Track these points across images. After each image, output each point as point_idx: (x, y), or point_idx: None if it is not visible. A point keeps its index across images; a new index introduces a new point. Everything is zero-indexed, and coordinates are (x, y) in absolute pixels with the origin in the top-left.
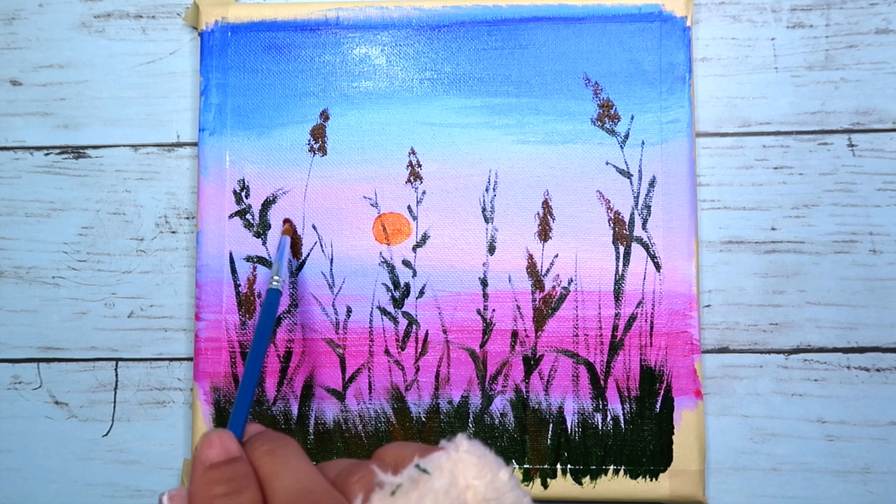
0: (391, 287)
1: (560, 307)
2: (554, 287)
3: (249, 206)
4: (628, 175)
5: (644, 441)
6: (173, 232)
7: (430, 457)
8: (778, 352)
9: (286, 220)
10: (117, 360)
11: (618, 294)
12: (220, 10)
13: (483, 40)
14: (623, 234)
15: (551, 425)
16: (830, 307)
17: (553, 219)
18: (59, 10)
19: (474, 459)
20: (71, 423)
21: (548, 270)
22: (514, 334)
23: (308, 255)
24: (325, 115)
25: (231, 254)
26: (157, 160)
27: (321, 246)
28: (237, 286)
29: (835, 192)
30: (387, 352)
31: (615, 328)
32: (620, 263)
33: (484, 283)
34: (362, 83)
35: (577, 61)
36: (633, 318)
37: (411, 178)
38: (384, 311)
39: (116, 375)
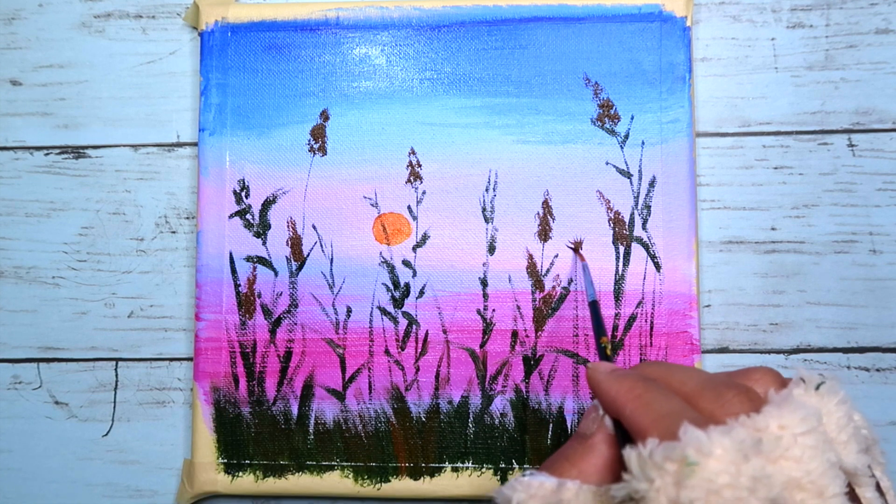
0: (391, 287)
1: (560, 307)
2: (554, 287)
3: (249, 206)
4: (628, 175)
5: None
6: (173, 232)
7: (823, 376)
8: (778, 352)
9: (577, 246)
10: (117, 360)
11: (618, 294)
12: (220, 10)
13: (483, 40)
14: (623, 234)
15: (551, 425)
16: (830, 307)
17: (553, 219)
18: (59, 10)
19: (845, 394)
20: (71, 423)
21: (548, 270)
22: (514, 334)
23: (308, 255)
24: (325, 115)
25: (231, 254)
26: (157, 160)
27: (321, 246)
28: (237, 286)
29: (835, 192)
30: (387, 352)
31: (615, 328)
32: (620, 263)
33: (484, 283)
34: (362, 83)
35: (577, 61)
36: (633, 318)
37: (411, 178)
38: (384, 311)
39: (116, 375)
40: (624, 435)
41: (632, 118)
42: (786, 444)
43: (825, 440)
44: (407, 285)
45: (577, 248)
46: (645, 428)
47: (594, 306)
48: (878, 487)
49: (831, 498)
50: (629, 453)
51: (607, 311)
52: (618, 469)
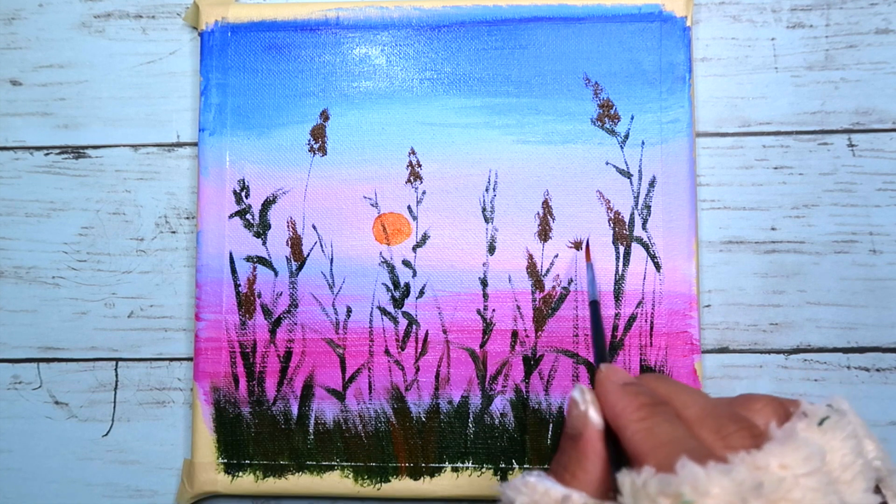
0: (391, 287)
1: (560, 307)
2: (554, 287)
3: (249, 206)
4: (628, 175)
5: None
6: (173, 232)
7: (832, 404)
8: (778, 352)
9: (587, 249)
10: (117, 360)
11: (618, 294)
12: (220, 10)
13: (483, 40)
14: (623, 234)
15: (551, 425)
16: (830, 307)
17: (553, 219)
18: (59, 10)
19: (861, 420)
20: (71, 423)
21: (548, 270)
22: (514, 334)
23: (308, 255)
24: (325, 115)
25: (231, 254)
26: (157, 160)
27: (321, 246)
28: (237, 286)
29: (835, 192)
30: (387, 352)
31: (615, 328)
32: (620, 263)
33: (484, 283)
34: (362, 83)
35: (577, 61)
36: (633, 318)
37: (411, 178)
38: (384, 311)
39: (116, 375)
40: (617, 446)
41: (632, 118)
42: (787, 486)
43: (828, 481)
44: (407, 285)
45: (586, 248)
46: (643, 454)
47: (595, 306)
48: None
49: None
50: (623, 478)
51: (607, 311)
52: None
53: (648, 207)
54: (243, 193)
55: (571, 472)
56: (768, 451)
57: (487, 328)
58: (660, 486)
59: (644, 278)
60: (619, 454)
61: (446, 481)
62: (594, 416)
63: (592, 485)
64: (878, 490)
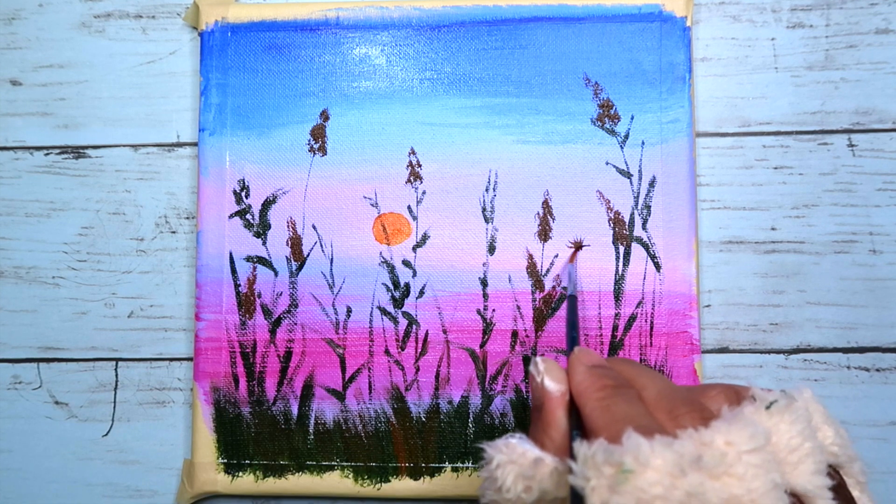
0: (391, 287)
1: (560, 307)
2: (554, 287)
3: (249, 206)
4: (628, 175)
5: None
6: (173, 232)
7: (787, 391)
8: (778, 352)
9: (574, 253)
10: (117, 360)
11: (618, 294)
12: (220, 10)
13: (483, 40)
14: (623, 234)
15: None
16: (830, 307)
17: (553, 219)
18: (59, 10)
19: (820, 408)
20: (71, 423)
21: (548, 270)
22: (515, 334)
23: (308, 255)
24: (325, 115)
25: (231, 254)
26: (157, 160)
27: (321, 246)
28: (237, 286)
29: (835, 192)
30: (387, 352)
31: (615, 328)
32: (620, 263)
33: (484, 283)
34: (362, 83)
35: (577, 61)
36: (633, 318)
37: (411, 178)
38: (384, 311)
39: (116, 375)
40: (580, 420)
41: (632, 118)
42: (730, 461)
43: (772, 460)
44: (407, 285)
45: (577, 248)
46: (599, 428)
47: (573, 301)
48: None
49: None
50: (578, 447)
51: (607, 311)
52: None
53: (648, 207)
54: (243, 193)
55: (540, 440)
56: (715, 429)
57: (487, 328)
58: (604, 456)
59: (644, 278)
60: (581, 428)
61: (446, 481)
62: (550, 384)
63: (558, 452)
64: (838, 473)
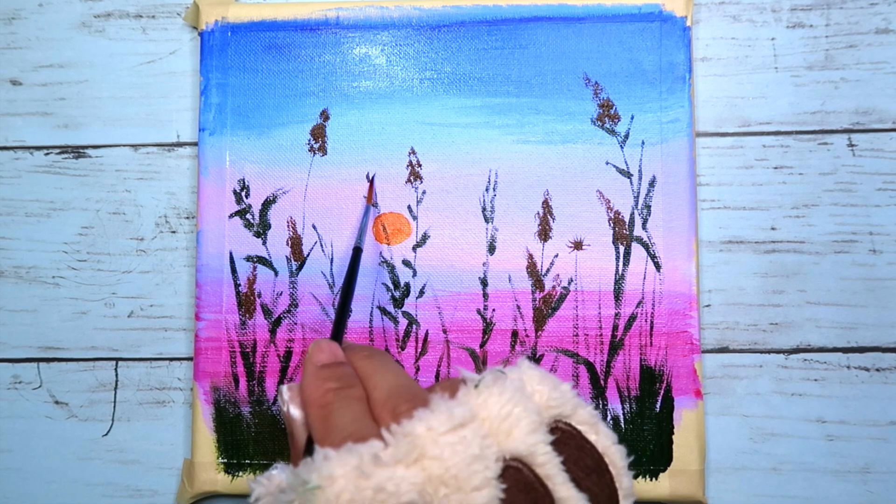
0: (391, 287)
1: (560, 307)
2: (554, 287)
3: (249, 206)
4: (628, 175)
5: (644, 441)
6: (173, 232)
7: (500, 368)
8: (778, 352)
9: (370, 188)
10: (117, 359)
11: (618, 294)
12: (220, 10)
13: (483, 40)
14: (623, 234)
15: None
16: (830, 307)
17: (553, 219)
18: (59, 9)
19: (536, 372)
20: (71, 422)
21: (548, 270)
22: (515, 334)
23: (308, 255)
24: (325, 115)
25: (231, 253)
26: (157, 160)
27: (321, 246)
28: (237, 286)
29: (835, 192)
30: (387, 351)
31: (615, 328)
32: (620, 263)
33: (484, 282)
34: (362, 83)
35: (577, 61)
36: (633, 317)
37: (411, 178)
38: (384, 311)
39: (116, 375)
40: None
41: (632, 118)
42: (423, 446)
43: (475, 435)
44: (407, 285)
45: (369, 187)
46: (319, 440)
47: (357, 253)
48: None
49: (472, 491)
50: (282, 471)
51: (607, 311)
52: None
53: (648, 207)
54: (243, 193)
55: (293, 461)
56: (417, 419)
57: (487, 328)
58: (292, 479)
59: (644, 278)
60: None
61: None
62: (294, 411)
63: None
64: (569, 425)
